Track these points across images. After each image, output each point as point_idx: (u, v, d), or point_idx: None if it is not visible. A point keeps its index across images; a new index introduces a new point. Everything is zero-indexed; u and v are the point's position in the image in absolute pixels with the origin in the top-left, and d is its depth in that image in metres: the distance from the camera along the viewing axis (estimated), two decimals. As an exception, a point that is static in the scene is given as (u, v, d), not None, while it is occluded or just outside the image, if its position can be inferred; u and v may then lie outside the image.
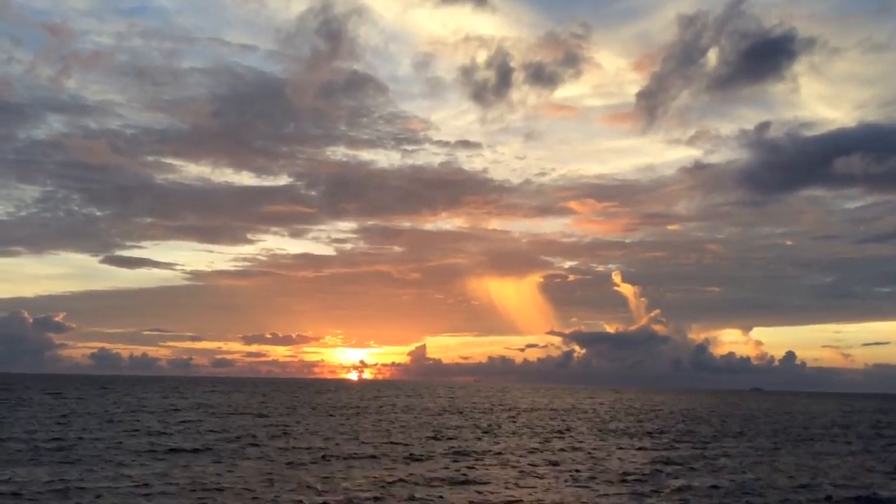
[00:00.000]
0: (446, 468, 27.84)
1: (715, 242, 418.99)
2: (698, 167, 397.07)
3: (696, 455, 34.81)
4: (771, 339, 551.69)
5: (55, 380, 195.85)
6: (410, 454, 32.35)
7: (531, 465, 30.07)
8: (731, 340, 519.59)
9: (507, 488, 23.80)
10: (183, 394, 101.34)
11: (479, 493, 22.78)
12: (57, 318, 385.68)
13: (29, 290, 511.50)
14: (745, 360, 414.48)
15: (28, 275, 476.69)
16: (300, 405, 78.26)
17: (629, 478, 26.58)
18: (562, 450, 36.16)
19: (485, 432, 46.15)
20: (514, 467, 29.00)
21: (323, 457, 30.11)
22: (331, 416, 60.38)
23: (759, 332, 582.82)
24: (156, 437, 36.76)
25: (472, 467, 28.66)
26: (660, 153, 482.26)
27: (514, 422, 58.50)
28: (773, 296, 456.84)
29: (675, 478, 26.93)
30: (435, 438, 40.42)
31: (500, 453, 33.98)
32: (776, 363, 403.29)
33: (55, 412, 54.05)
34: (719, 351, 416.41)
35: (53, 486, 21.55)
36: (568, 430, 50.23)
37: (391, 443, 36.64)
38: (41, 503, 19.13)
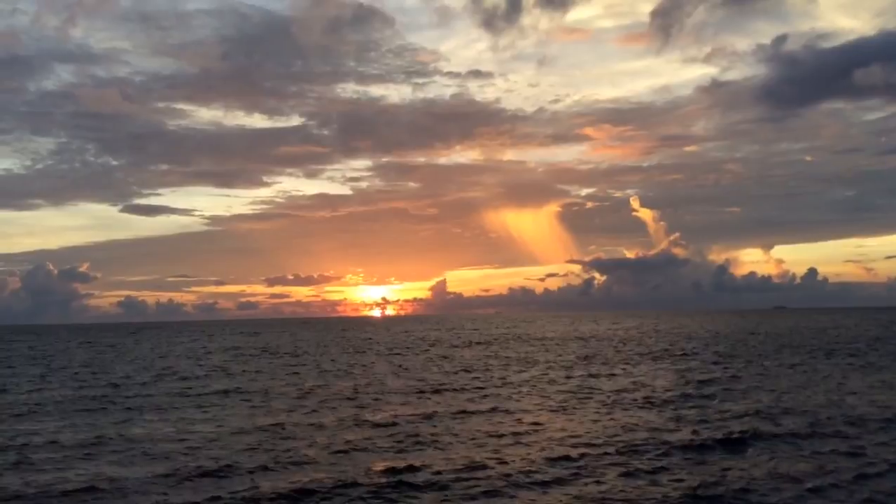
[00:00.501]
0: (471, 400, 27.60)
1: (733, 162, 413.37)
2: (715, 85, 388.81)
3: (731, 377, 34.44)
4: (792, 257, 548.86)
5: (86, 330, 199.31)
6: (440, 385, 32.31)
7: (561, 392, 29.84)
8: (751, 260, 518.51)
9: (533, 415, 23.54)
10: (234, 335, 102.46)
11: (502, 422, 22.50)
12: (81, 269, 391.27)
13: (52, 242, 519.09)
14: (767, 279, 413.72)
15: (50, 227, 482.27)
16: (330, 343, 79.02)
17: (662, 400, 26.24)
18: (592, 375, 35.95)
19: (515, 363, 46.14)
20: (542, 396, 28.77)
21: (355, 391, 30.09)
22: (362, 353, 60.82)
23: (780, 251, 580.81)
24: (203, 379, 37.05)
25: (501, 396, 28.48)
26: (675, 73, 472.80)
27: (546, 350, 58.54)
28: (793, 213, 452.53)
29: (712, 399, 26.57)
30: (465, 371, 40.42)
31: (528, 381, 33.86)
32: (798, 280, 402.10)
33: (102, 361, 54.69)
34: (740, 271, 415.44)
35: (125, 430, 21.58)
36: (595, 356, 50.12)
37: (419, 380, 36.50)
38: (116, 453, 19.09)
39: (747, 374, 34.90)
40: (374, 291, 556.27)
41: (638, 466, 16.03)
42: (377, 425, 21.91)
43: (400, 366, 44.90)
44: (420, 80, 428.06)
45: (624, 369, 39.22)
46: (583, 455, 17.12)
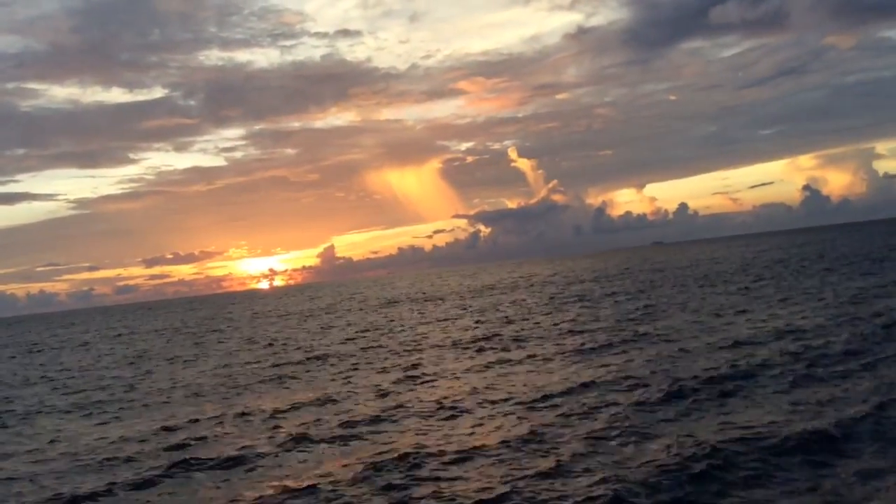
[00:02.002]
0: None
1: (603, 106, 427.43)
2: (581, 32, 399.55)
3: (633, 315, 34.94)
4: (664, 194, 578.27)
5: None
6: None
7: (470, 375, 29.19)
8: (626, 200, 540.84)
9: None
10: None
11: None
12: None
13: None
14: (642, 217, 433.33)
15: None
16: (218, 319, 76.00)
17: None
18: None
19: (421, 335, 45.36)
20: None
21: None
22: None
23: (652, 189, 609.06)
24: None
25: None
26: (542, 22, 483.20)
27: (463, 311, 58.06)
28: (661, 151, 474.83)
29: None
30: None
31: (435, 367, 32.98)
32: (671, 216, 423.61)
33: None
34: (616, 212, 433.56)
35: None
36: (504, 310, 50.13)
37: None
38: None
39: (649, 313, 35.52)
40: (260, 263, 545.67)
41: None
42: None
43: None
44: (287, 43, 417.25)
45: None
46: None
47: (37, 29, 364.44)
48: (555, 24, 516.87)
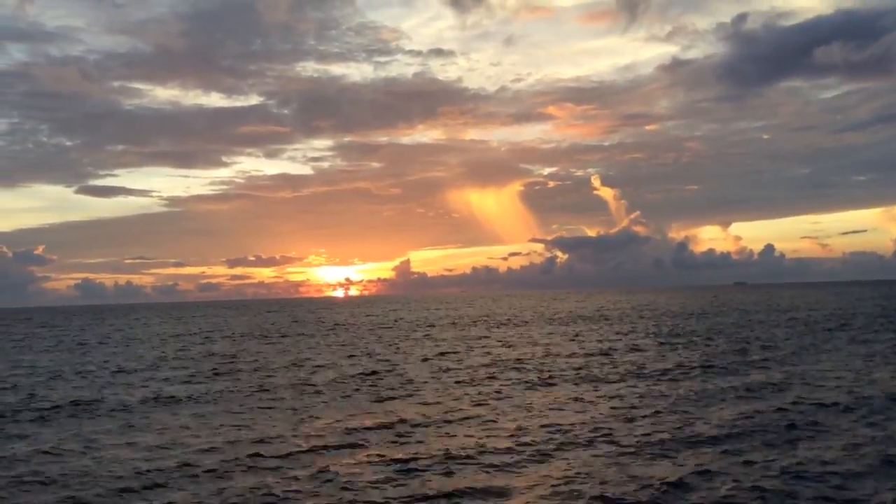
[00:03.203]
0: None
1: (693, 140, 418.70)
2: (676, 64, 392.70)
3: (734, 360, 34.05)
4: (750, 234, 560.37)
5: (45, 312, 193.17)
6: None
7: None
8: (710, 237, 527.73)
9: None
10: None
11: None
12: (37, 251, 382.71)
13: (5, 225, 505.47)
14: (726, 256, 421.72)
15: (3, 209, 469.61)
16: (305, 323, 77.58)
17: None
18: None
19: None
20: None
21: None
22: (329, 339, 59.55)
23: (737, 228, 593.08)
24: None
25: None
26: (636, 52, 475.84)
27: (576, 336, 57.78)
28: (750, 190, 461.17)
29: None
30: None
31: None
32: (755, 257, 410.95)
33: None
34: (699, 248, 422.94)
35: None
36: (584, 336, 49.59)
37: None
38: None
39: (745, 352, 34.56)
40: (337, 272, 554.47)
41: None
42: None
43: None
44: (381, 59, 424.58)
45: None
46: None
47: (146, 31, 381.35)
48: (649, 54, 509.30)
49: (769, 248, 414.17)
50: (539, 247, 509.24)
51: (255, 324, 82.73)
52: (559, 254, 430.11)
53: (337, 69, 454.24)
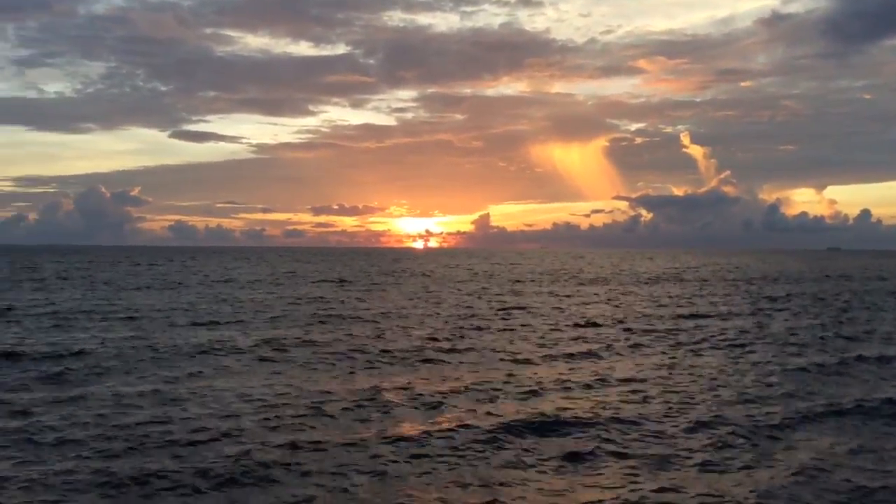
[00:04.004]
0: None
1: (790, 98, 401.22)
2: (776, 17, 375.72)
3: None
4: (845, 198, 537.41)
5: (143, 252, 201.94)
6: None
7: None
8: (803, 200, 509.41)
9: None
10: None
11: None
12: (133, 193, 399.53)
13: (104, 166, 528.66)
14: (819, 220, 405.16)
15: (101, 151, 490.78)
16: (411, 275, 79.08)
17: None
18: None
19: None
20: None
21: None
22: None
23: (832, 191, 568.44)
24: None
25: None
26: (734, 4, 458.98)
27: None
28: (849, 152, 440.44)
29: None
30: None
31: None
32: (850, 222, 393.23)
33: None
34: (791, 211, 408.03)
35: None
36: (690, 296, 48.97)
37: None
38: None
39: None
40: (417, 223, 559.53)
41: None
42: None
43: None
44: (468, 9, 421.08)
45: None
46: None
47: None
48: (748, 7, 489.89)
49: (865, 213, 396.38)
50: (623, 204, 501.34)
51: (362, 270, 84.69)
52: (643, 212, 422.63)
53: (423, 19, 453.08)
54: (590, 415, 14.22)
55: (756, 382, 17.76)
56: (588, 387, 17.09)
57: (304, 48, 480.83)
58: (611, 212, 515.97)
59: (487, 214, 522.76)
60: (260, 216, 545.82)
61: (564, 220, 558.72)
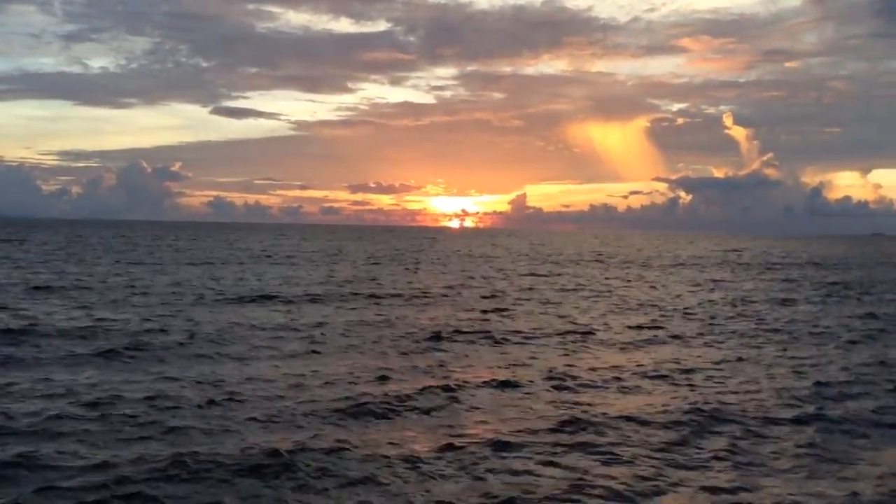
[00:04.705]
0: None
1: (838, 79, 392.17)
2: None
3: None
4: (891, 182, 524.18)
5: (186, 227, 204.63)
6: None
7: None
8: (847, 184, 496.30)
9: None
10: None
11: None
12: (173, 168, 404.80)
13: (145, 141, 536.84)
14: (863, 204, 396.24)
15: (143, 126, 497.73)
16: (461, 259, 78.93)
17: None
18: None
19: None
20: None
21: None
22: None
23: (878, 175, 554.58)
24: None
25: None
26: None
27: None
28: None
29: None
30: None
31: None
32: (895, 207, 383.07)
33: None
34: (834, 195, 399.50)
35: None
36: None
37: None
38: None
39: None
40: (454, 202, 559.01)
41: None
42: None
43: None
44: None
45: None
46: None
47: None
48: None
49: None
50: (662, 186, 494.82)
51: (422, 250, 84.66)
52: (683, 194, 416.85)
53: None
54: (677, 407, 13.86)
55: (840, 374, 17.28)
56: (664, 377, 16.72)
57: (344, 24, 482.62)
58: (649, 193, 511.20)
59: (524, 194, 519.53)
60: (297, 193, 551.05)
61: (602, 201, 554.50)
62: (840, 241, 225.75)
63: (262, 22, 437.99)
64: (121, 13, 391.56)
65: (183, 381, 14.72)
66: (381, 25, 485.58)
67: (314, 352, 18.54)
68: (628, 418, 12.93)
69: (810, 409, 13.93)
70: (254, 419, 12.29)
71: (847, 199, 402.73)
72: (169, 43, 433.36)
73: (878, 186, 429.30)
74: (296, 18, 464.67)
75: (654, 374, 16.92)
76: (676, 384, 15.93)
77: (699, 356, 19.31)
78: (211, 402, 13.16)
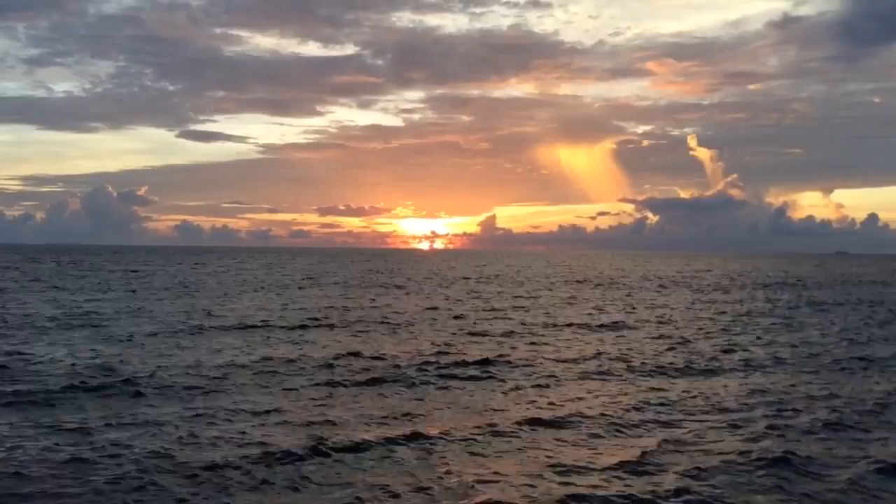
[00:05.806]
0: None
1: (799, 101, 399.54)
2: (787, 20, 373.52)
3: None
4: (853, 202, 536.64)
5: (149, 251, 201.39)
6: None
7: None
8: (810, 203, 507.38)
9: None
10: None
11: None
12: (140, 192, 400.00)
13: (111, 166, 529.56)
14: (826, 224, 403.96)
15: (108, 150, 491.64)
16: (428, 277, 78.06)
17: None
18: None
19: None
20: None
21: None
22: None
23: (840, 195, 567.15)
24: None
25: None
26: (744, 7, 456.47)
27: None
28: (856, 156, 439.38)
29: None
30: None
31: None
32: (858, 226, 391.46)
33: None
34: (798, 214, 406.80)
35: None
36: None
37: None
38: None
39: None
40: (423, 224, 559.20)
41: None
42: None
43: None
44: (477, 10, 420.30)
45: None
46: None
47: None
48: (758, 9, 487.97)
49: (873, 218, 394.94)
50: (629, 207, 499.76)
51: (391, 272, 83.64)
52: (650, 215, 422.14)
53: (432, 20, 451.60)
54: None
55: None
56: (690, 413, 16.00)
57: (312, 48, 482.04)
58: (617, 214, 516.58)
59: (493, 216, 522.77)
60: (266, 216, 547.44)
61: (570, 222, 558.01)
62: (802, 259, 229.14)
63: (230, 46, 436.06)
64: (85, 37, 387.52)
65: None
66: (350, 49, 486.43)
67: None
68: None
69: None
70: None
71: (811, 218, 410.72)
72: (134, 67, 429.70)
73: (840, 206, 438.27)
74: (263, 42, 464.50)
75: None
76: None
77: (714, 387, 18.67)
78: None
